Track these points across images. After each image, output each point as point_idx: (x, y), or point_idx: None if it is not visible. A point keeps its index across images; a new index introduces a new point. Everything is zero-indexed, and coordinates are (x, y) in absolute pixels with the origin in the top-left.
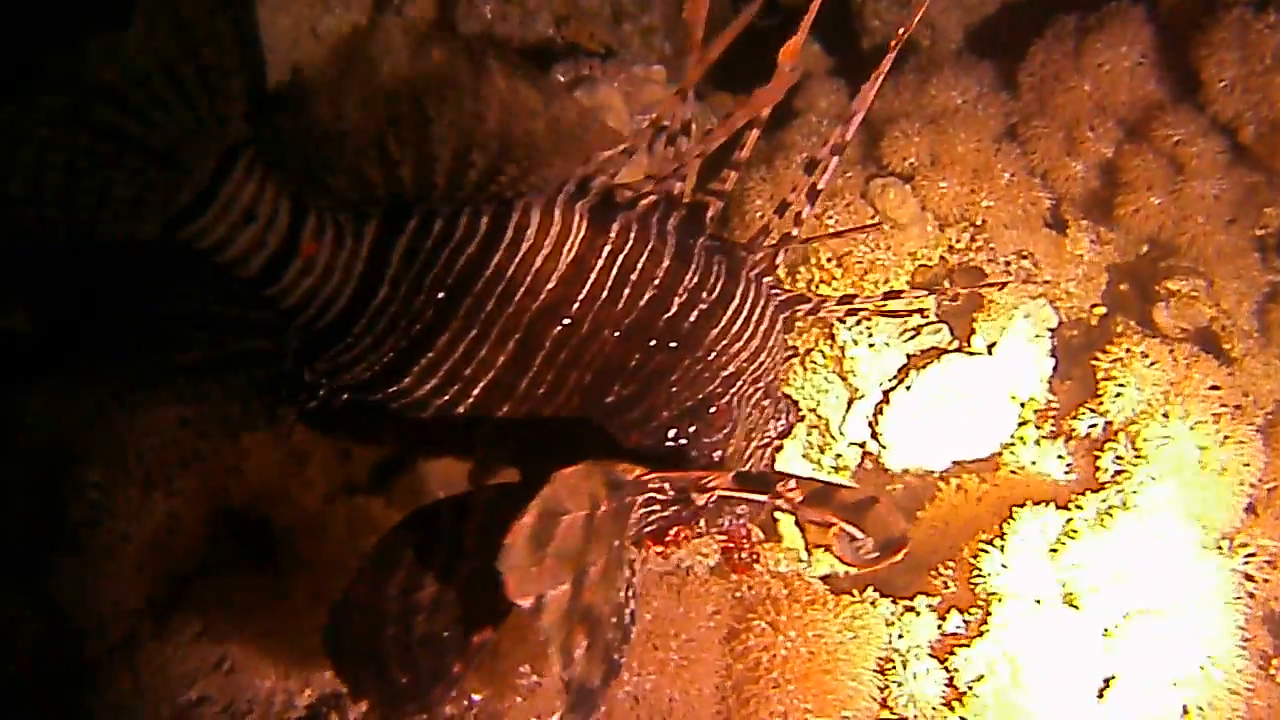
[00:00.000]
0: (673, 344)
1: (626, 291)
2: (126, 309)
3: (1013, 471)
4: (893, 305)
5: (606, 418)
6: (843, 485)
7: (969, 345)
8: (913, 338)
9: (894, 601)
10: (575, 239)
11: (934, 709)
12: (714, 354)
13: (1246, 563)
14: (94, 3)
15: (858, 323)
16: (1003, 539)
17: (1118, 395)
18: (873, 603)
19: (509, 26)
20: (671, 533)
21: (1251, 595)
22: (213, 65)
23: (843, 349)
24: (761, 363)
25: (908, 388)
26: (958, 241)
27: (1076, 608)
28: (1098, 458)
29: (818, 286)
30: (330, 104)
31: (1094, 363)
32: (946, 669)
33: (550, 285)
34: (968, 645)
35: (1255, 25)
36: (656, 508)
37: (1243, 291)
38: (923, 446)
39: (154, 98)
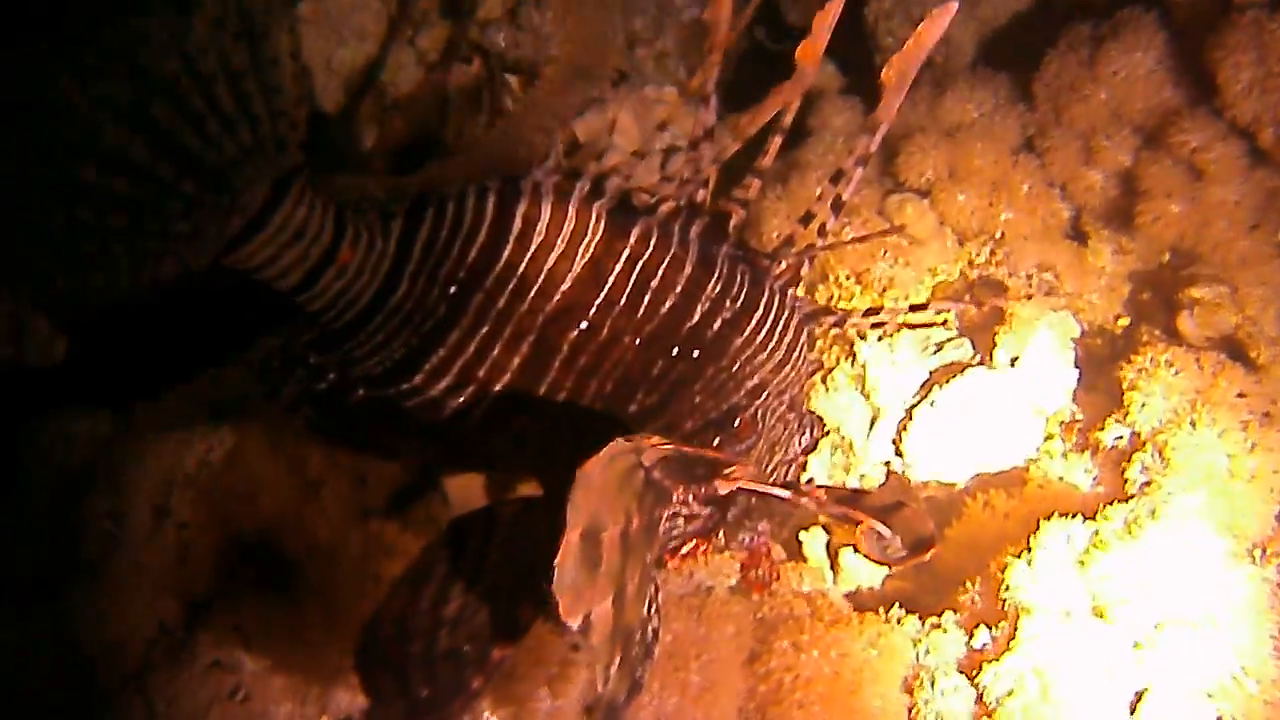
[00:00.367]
0: (696, 353)
1: (647, 298)
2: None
3: (1040, 486)
4: (917, 317)
5: (630, 427)
6: (870, 491)
7: (991, 359)
8: (935, 353)
9: (920, 619)
10: (592, 240)
11: None
12: (738, 364)
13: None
14: None
15: (880, 338)
16: (1030, 552)
17: (1143, 405)
18: (899, 620)
19: (522, 53)
20: (689, 546)
21: None
22: (278, 86)
23: (864, 367)
24: (787, 375)
25: (931, 404)
26: (977, 255)
27: (1106, 620)
28: (1125, 469)
29: (837, 304)
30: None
31: (1119, 373)
32: (975, 685)
33: (565, 286)
34: (996, 660)
35: (1270, 26)
36: (680, 521)
37: (1267, 297)
38: (948, 463)
39: (216, 107)
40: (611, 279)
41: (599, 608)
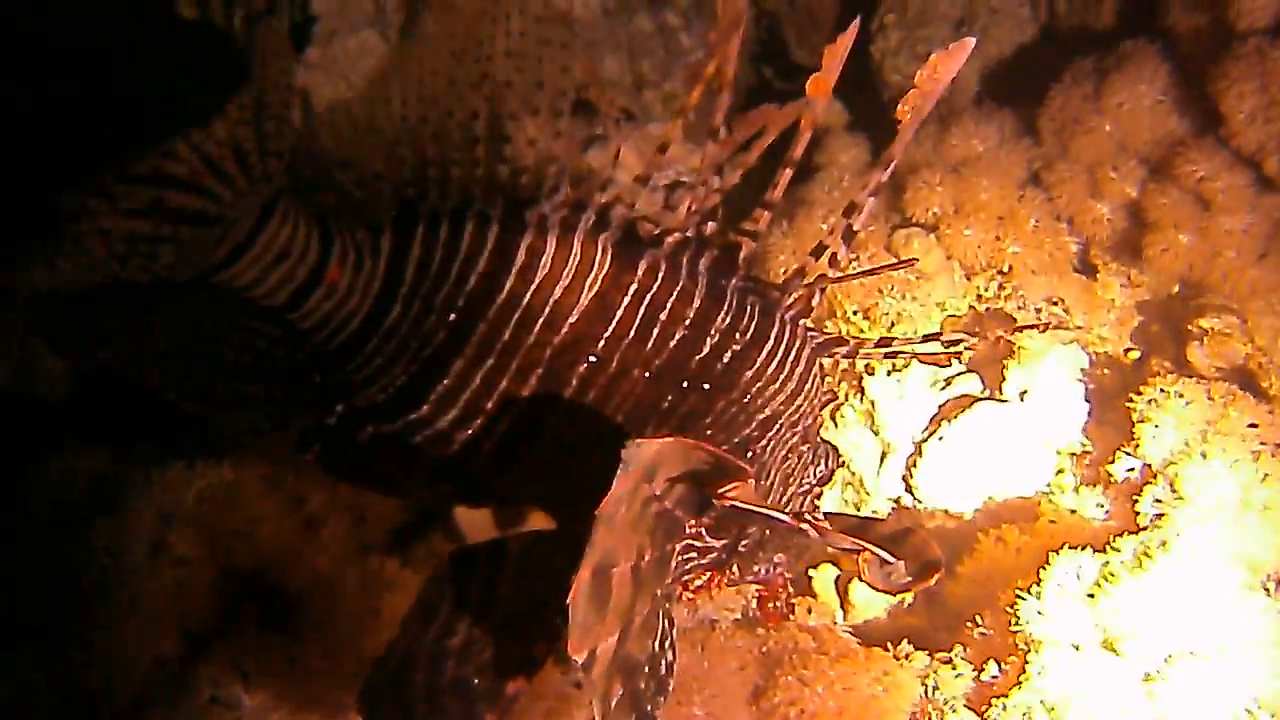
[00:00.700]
0: (706, 385)
1: (656, 331)
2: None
3: (1052, 520)
4: (929, 347)
5: None
6: (877, 519)
7: (1000, 393)
8: (944, 388)
9: (930, 655)
10: (598, 274)
11: None
12: (749, 396)
13: None
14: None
15: (890, 372)
16: (1039, 585)
17: (1154, 437)
18: (907, 656)
19: None
20: (704, 579)
21: None
22: (270, 133)
23: (873, 403)
24: (799, 406)
25: (940, 439)
26: (986, 290)
27: (1117, 653)
28: (1136, 501)
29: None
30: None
31: (1129, 405)
32: None
33: (573, 319)
34: (1005, 696)
35: (1272, 54)
36: (693, 554)
37: (1278, 327)
38: (959, 498)
39: (222, 175)
40: (620, 312)
41: (605, 642)
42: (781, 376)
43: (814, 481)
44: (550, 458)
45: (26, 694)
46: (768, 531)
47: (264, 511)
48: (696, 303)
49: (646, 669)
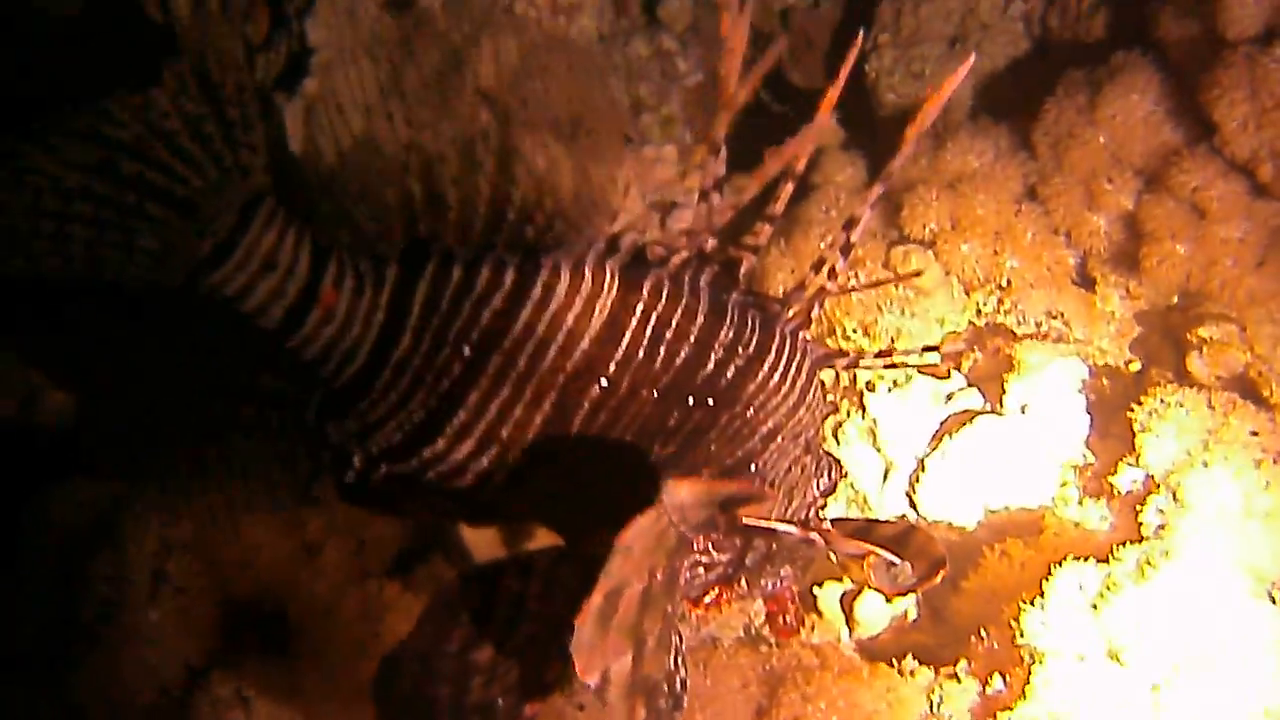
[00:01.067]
0: (711, 401)
1: (662, 350)
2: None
3: (1056, 533)
4: (930, 358)
5: (649, 479)
6: (881, 522)
7: (1001, 408)
8: (946, 403)
9: (935, 670)
10: (608, 298)
11: None
12: (753, 410)
13: None
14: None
15: (891, 388)
16: (1042, 597)
17: (1155, 447)
18: (911, 672)
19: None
20: (713, 594)
21: None
22: (236, 120)
23: (875, 420)
24: (801, 418)
25: (943, 455)
26: (985, 304)
27: (1121, 663)
28: (1139, 512)
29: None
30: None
31: (1129, 415)
32: None
33: (584, 345)
34: (1010, 709)
35: (1262, 60)
36: (701, 569)
37: (1277, 335)
38: (963, 513)
39: (179, 151)
40: (628, 334)
41: (617, 663)
42: (784, 389)
43: (818, 493)
44: (562, 480)
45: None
46: (774, 545)
47: (263, 538)
48: (700, 319)
49: (666, 687)
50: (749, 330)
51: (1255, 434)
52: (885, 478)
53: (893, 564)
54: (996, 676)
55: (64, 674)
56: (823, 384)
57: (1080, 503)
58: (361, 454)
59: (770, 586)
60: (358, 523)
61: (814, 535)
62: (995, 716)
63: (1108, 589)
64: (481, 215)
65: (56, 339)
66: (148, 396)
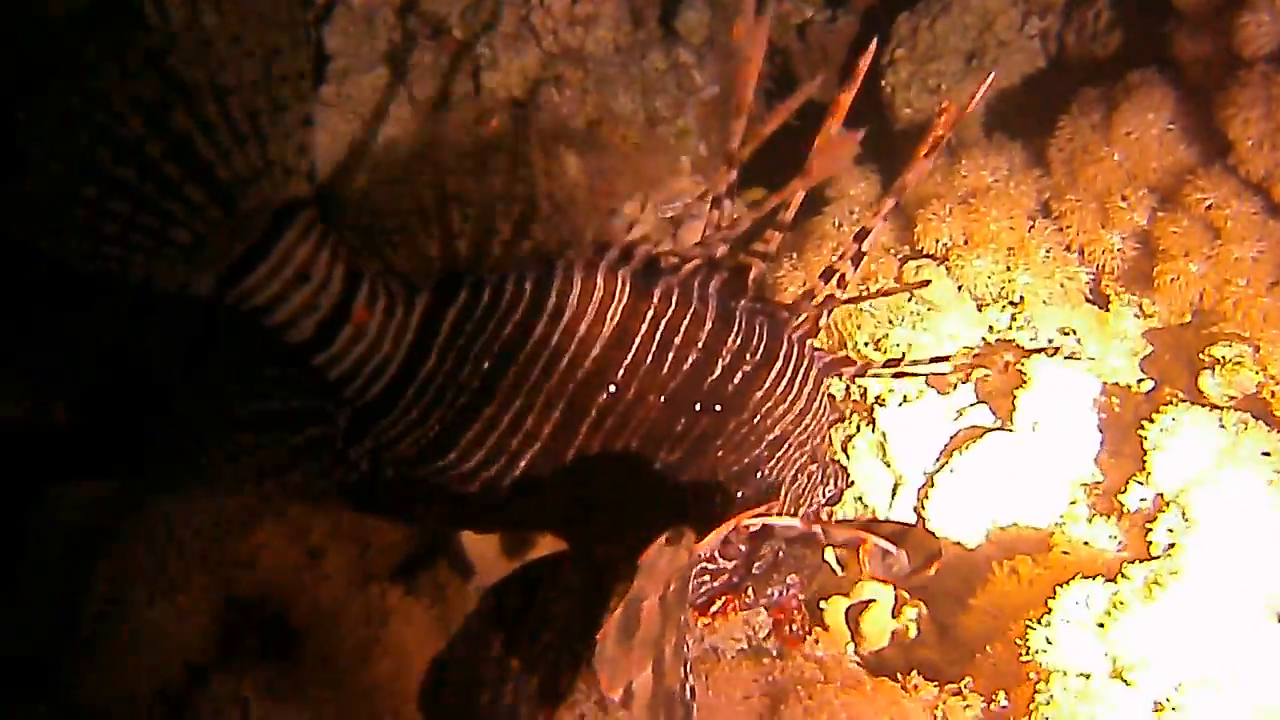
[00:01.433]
0: (718, 407)
1: (670, 356)
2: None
3: (1065, 551)
4: (939, 368)
5: (655, 485)
6: (880, 521)
7: (1012, 424)
8: (956, 419)
9: (939, 687)
10: (618, 305)
11: None
12: (759, 417)
13: None
14: None
15: (903, 402)
16: (1049, 614)
17: (1166, 465)
18: (916, 687)
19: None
20: (720, 603)
21: None
22: (289, 104)
23: (885, 434)
24: (807, 426)
25: (952, 470)
26: (997, 321)
27: (1127, 682)
28: (1149, 530)
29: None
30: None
31: (1140, 433)
32: None
33: (595, 352)
34: None
35: (1278, 79)
36: (706, 578)
37: None
38: (972, 529)
39: (230, 121)
40: (637, 340)
41: (640, 677)
42: (790, 397)
43: (823, 501)
44: (568, 487)
45: None
46: (780, 553)
47: (266, 541)
48: (708, 325)
49: (679, 697)
50: (756, 337)
51: (1267, 454)
52: (894, 493)
53: (888, 553)
54: (1001, 694)
55: (64, 675)
56: (831, 393)
57: (1089, 521)
58: (370, 461)
59: (776, 595)
60: (362, 528)
61: (814, 527)
62: None
63: (1115, 607)
64: (504, 238)
65: (63, 339)
66: (159, 400)
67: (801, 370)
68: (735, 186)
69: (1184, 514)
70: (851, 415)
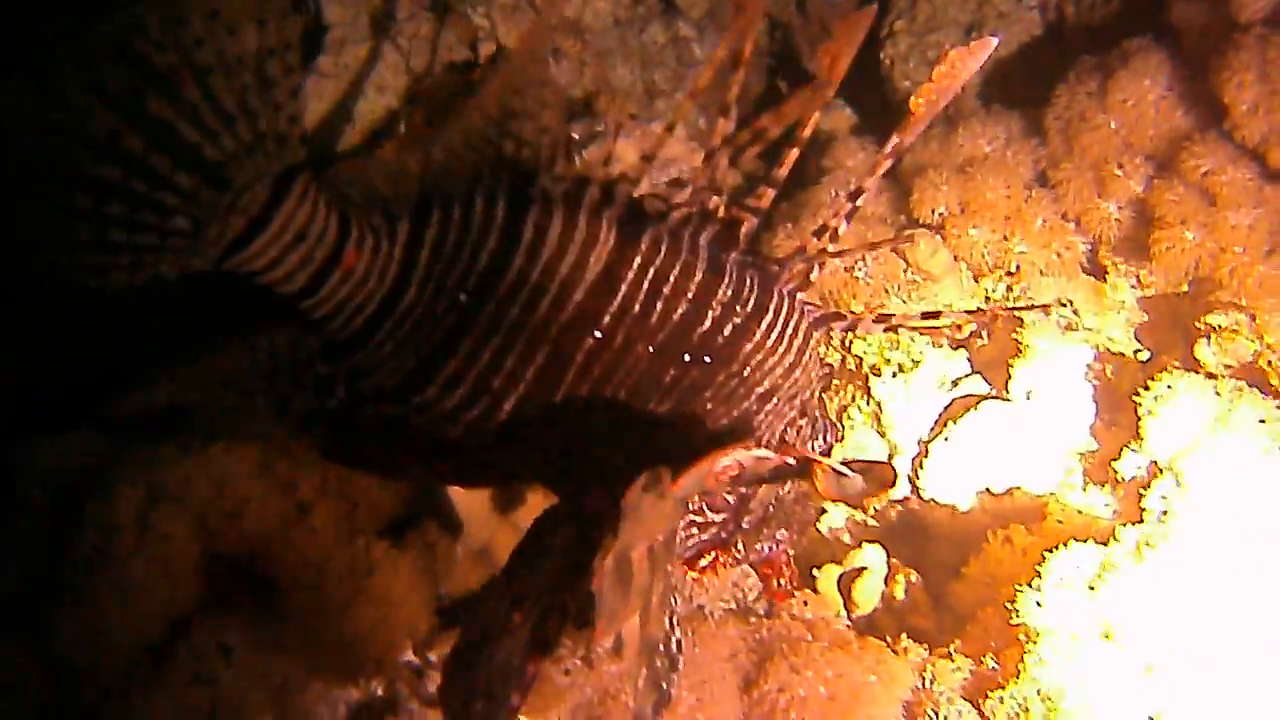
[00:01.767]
0: (707, 359)
1: (659, 305)
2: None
3: (1059, 519)
4: (930, 323)
5: (644, 435)
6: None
7: (1007, 393)
8: (951, 388)
9: (928, 649)
10: (603, 249)
11: None
12: (749, 370)
13: None
14: None
15: (897, 372)
16: (1039, 578)
17: (1160, 432)
18: (905, 649)
19: None
20: (709, 558)
21: None
22: (276, 79)
23: (880, 404)
24: (797, 379)
25: (946, 439)
26: (994, 291)
27: (1116, 644)
28: (1143, 498)
29: (850, 342)
30: None
31: (1135, 399)
32: (981, 711)
33: (578, 296)
34: (1002, 687)
35: (1274, 42)
36: (695, 530)
37: None
38: (966, 498)
39: (213, 100)
40: (624, 287)
41: (628, 625)
42: (780, 350)
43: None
44: (553, 434)
45: (13, 674)
46: (770, 507)
47: (253, 494)
48: (698, 276)
49: (662, 648)
50: (747, 290)
51: (1262, 421)
52: (889, 461)
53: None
54: (990, 656)
55: (47, 623)
56: (820, 348)
57: (1084, 489)
58: (347, 389)
59: (766, 549)
60: (351, 487)
61: (789, 458)
62: (987, 695)
63: (1105, 570)
64: (476, 154)
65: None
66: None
67: (792, 324)
68: (731, 139)
69: (1178, 480)
70: (846, 385)
